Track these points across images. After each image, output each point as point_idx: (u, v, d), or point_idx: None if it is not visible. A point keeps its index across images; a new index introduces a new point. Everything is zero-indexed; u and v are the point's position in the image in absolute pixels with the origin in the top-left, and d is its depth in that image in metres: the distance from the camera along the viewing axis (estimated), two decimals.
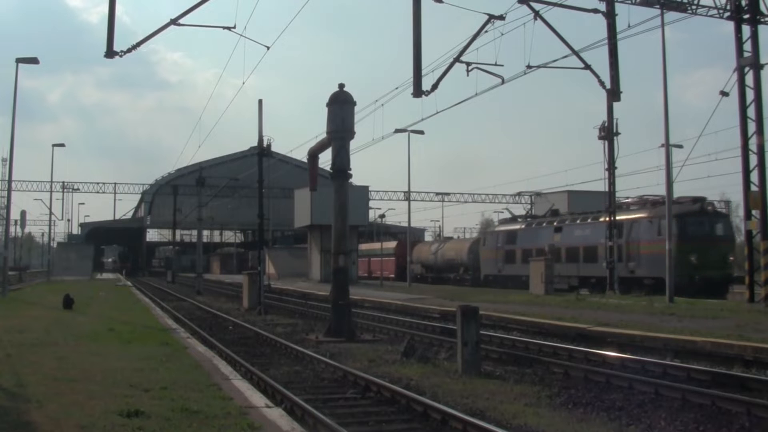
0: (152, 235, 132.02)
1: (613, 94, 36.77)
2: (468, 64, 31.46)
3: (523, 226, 52.98)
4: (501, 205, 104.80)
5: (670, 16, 30.86)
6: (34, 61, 38.22)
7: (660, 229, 37.09)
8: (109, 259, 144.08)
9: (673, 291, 30.84)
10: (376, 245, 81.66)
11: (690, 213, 39.77)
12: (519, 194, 79.53)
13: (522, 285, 45.43)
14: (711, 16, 30.70)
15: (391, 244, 79.62)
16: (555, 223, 48.67)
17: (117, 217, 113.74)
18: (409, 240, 63.26)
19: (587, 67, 35.63)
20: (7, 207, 60.68)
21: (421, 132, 54.88)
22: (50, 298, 36.26)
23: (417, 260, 70.57)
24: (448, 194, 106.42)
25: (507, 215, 63.65)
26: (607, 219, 39.19)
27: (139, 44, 26.66)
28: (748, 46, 29.77)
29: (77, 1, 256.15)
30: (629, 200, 44.34)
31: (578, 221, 46.85)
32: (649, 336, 19.01)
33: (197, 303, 41.73)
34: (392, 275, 73.81)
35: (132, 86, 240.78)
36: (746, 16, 29.91)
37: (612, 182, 38.67)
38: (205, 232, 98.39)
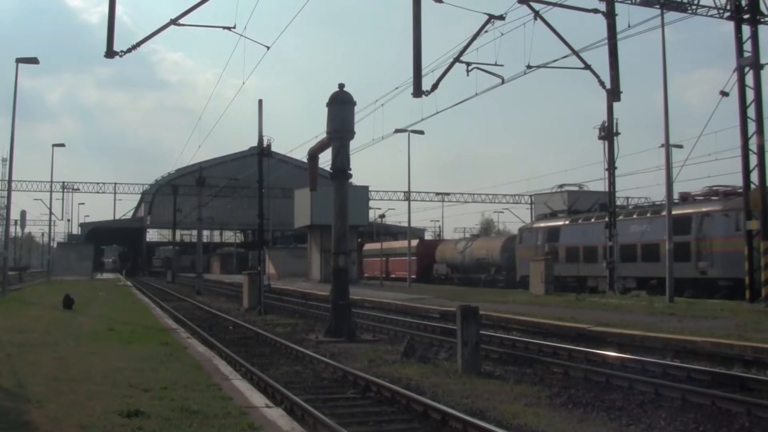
0: (152, 235, 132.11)
1: (613, 94, 36.75)
2: (468, 64, 31.46)
3: (567, 222, 47.84)
4: (501, 205, 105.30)
5: (670, 16, 30.87)
6: (34, 61, 38.24)
7: (738, 223, 33.78)
8: (109, 259, 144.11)
9: (673, 291, 30.83)
10: (396, 244, 79.93)
11: None
12: (561, 186, 70.30)
13: (569, 287, 42.25)
14: (711, 16, 30.70)
15: (413, 243, 73.64)
16: (607, 218, 42.09)
17: (117, 217, 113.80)
18: (409, 240, 63.24)
19: (587, 67, 35.61)
20: (7, 207, 60.67)
21: (421, 132, 54.96)
22: (50, 298, 36.26)
23: (441, 260, 68.17)
24: (448, 194, 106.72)
25: (524, 216, 61.38)
26: (667, 213, 37.29)
27: (139, 44, 26.66)
28: (748, 46, 29.78)
29: (77, 1, 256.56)
30: (695, 192, 40.64)
31: (635, 215, 42.57)
32: (649, 336, 19.00)
33: (197, 303, 41.74)
34: (413, 276, 67.66)
35: (132, 86, 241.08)
36: (746, 16, 29.90)
37: (612, 182, 38.67)
38: (205, 232, 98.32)
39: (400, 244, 76.12)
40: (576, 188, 61.93)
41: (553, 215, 51.90)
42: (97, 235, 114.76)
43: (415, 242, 71.67)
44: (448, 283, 63.23)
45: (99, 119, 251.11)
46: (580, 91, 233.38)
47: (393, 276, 73.47)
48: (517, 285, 49.92)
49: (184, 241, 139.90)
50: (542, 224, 50.30)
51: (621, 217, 41.06)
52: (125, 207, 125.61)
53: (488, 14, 31.11)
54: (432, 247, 73.59)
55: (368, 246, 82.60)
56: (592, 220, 45.00)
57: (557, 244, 47.24)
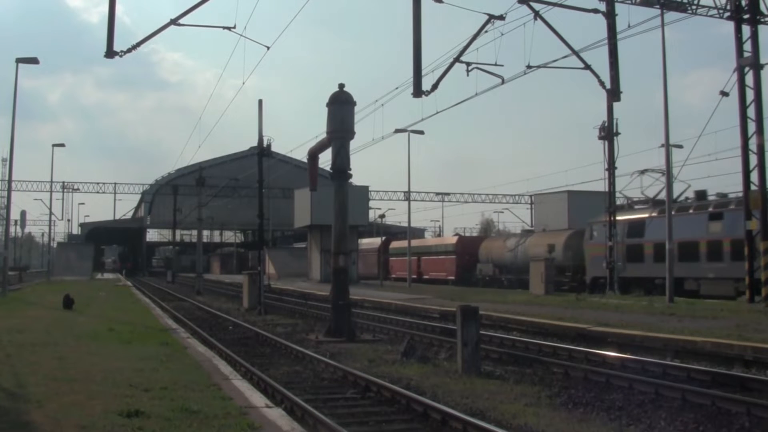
0: (152, 235, 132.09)
1: (613, 94, 36.80)
2: (468, 64, 31.48)
3: (654, 214, 39.79)
4: (501, 205, 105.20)
5: (670, 16, 30.89)
6: (34, 61, 38.24)
7: None
8: (109, 259, 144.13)
9: (673, 291, 30.84)
10: (431, 241, 75.96)
11: None
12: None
13: (657, 290, 35.54)
14: (711, 16, 30.72)
15: (451, 240, 69.56)
16: (711, 208, 37.04)
17: (117, 217, 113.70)
18: (409, 239, 63.21)
19: (587, 67, 35.64)
20: (7, 207, 60.65)
21: (421, 132, 55.06)
22: (50, 298, 36.24)
23: (486, 259, 60.47)
24: (448, 194, 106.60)
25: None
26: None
27: (139, 44, 26.67)
28: (748, 46, 29.79)
29: (77, 1, 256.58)
30: None
31: (693, 210, 37.52)
32: (649, 336, 19.00)
33: (197, 303, 41.73)
34: (451, 276, 63.63)
35: (132, 86, 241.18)
36: (746, 16, 29.92)
37: (612, 182, 38.70)
38: (205, 232, 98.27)
39: (436, 241, 72.16)
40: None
41: (630, 207, 43.86)
42: (97, 235, 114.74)
43: (453, 239, 68.40)
44: (495, 285, 56.55)
45: (99, 119, 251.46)
46: (580, 91, 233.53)
47: (427, 277, 68.26)
48: (587, 288, 42.77)
49: (184, 241, 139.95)
50: (622, 216, 41.98)
51: (733, 207, 34.53)
52: (125, 207, 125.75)
53: (488, 14, 31.17)
54: (474, 245, 64.95)
55: (396, 244, 78.10)
56: (690, 210, 37.69)
57: (642, 240, 39.90)
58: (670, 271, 31.02)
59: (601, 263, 40.56)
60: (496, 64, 31.31)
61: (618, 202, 42.10)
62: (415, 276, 65.14)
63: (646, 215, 40.71)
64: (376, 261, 72.56)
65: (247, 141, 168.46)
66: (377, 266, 71.80)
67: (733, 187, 36.81)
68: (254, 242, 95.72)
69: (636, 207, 43.29)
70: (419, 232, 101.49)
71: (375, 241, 78.76)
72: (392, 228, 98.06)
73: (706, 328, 20.04)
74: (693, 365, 15.20)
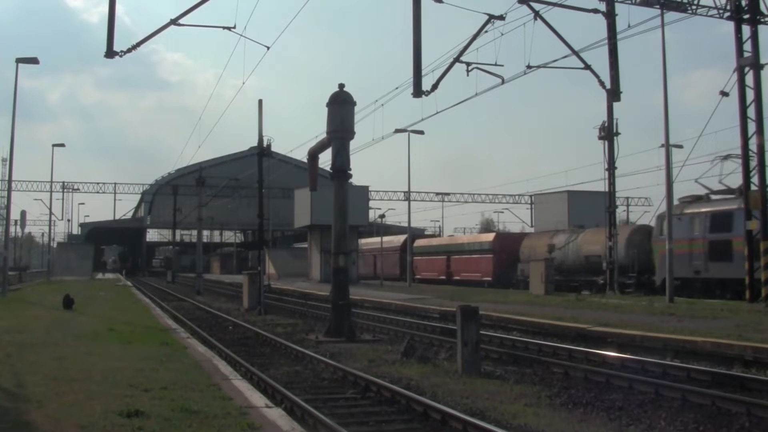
0: (152, 235, 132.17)
1: (613, 94, 36.84)
2: (468, 64, 31.51)
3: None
4: (501, 205, 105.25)
5: (670, 16, 30.91)
6: (34, 61, 38.25)
7: None
8: (110, 259, 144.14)
9: (673, 291, 30.85)
10: (464, 238, 70.13)
11: None
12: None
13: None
14: (711, 16, 30.72)
15: (487, 237, 63.29)
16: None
17: (117, 217, 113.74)
18: (410, 239, 63.17)
19: (587, 67, 35.70)
20: (7, 207, 60.64)
21: (421, 132, 55.04)
22: (50, 298, 36.25)
23: (530, 258, 51.39)
24: (448, 194, 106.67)
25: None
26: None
27: (139, 44, 26.70)
28: (748, 46, 29.79)
29: (77, 1, 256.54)
30: None
31: None
32: (649, 336, 19.01)
33: (197, 303, 41.72)
34: (487, 278, 57.51)
35: (132, 86, 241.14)
36: (746, 16, 29.91)
37: (612, 182, 38.71)
38: (205, 232, 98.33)
39: (469, 238, 66.81)
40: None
41: (708, 198, 37.92)
42: (97, 235, 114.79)
43: (490, 236, 62.36)
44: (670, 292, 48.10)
45: (99, 119, 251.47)
46: (580, 91, 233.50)
47: (458, 278, 62.15)
48: (657, 291, 36.92)
49: (184, 241, 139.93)
50: (701, 209, 36.75)
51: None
52: (125, 207, 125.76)
53: (488, 14, 31.20)
54: (515, 243, 57.12)
55: (421, 242, 73.20)
56: None
57: (730, 236, 34.23)
58: (670, 272, 31.03)
59: (678, 262, 34.33)
60: (496, 64, 31.39)
61: (689, 193, 38.77)
62: (443, 277, 62.34)
63: (735, 206, 34.45)
64: (398, 261, 70.57)
65: (247, 141, 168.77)
66: (399, 266, 69.57)
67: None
68: (254, 242, 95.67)
69: (715, 198, 37.63)
70: (419, 232, 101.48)
71: (396, 239, 76.53)
72: (392, 228, 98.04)
73: (706, 328, 20.04)
74: (693, 365, 15.20)
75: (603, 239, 42.53)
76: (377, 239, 73.98)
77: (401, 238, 74.47)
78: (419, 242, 71.83)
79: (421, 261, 68.72)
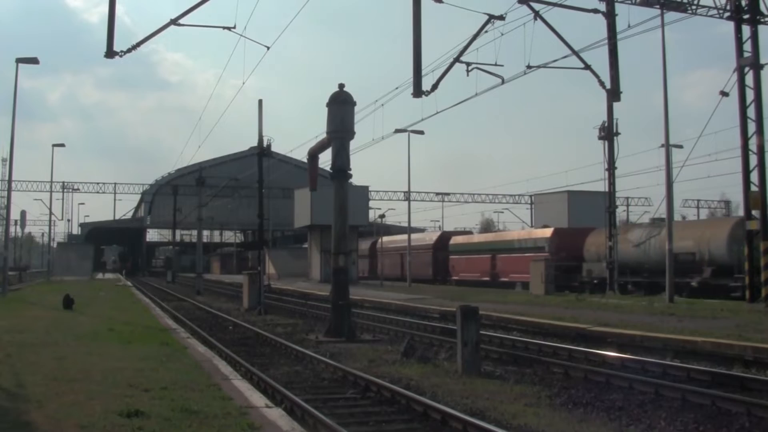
0: (152, 235, 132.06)
1: (613, 94, 36.82)
2: (468, 64, 31.48)
3: None
4: (501, 205, 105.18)
5: (670, 16, 30.91)
6: (34, 61, 38.24)
7: None
8: (109, 259, 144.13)
9: (673, 291, 30.85)
10: (512, 234, 59.81)
11: None
12: None
13: None
14: (711, 16, 30.73)
15: (543, 233, 53.48)
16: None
17: (117, 217, 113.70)
18: (410, 239, 63.15)
19: (587, 67, 35.68)
20: (7, 207, 60.73)
21: (421, 132, 54.96)
22: (50, 298, 36.25)
23: (597, 257, 45.25)
24: (448, 194, 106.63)
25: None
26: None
27: (139, 44, 26.68)
28: (748, 47, 29.79)
29: (77, 2, 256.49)
30: None
31: None
32: (649, 336, 19.02)
33: (197, 303, 41.73)
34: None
35: (132, 86, 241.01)
36: (746, 16, 29.93)
37: (612, 182, 38.70)
38: (205, 232, 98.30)
39: (520, 234, 56.67)
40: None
41: None
42: (97, 235, 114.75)
43: (547, 232, 52.97)
44: (601, 289, 41.27)
45: (99, 119, 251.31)
46: (580, 91, 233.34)
47: (505, 279, 54.39)
48: None
49: (184, 241, 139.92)
50: None
51: None
52: (125, 207, 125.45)
53: (488, 14, 31.16)
54: (577, 239, 48.59)
55: (459, 239, 66.40)
56: None
57: None
58: (670, 272, 31.04)
59: None
60: (496, 64, 31.33)
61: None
62: (487, 278, 55.41)
63: None
64: (431, 260, 66.25)
65: (247, 141, 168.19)
66: (432, 266, 65.72)
67: (733, 187, 36.68)
68: (254, 242, 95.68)
69: None
70: (419, 232, 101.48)
71: (428, 236, 72.30)
72: (392, 228, 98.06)
73: (706, 328, 20.05)
74: (693, 365, 15.20)
75: (701, 234, 38.86)
76: (403, 237, 70.74)
77: (434, 235, 71.10)
78: (457, 239, 66.28)
79: (459, 260, 62.88)
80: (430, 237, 70.77)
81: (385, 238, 76.30)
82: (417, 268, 65.70)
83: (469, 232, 77.18)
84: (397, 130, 48.03)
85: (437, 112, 34.21)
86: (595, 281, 43.73)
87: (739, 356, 16.21)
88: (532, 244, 51.34)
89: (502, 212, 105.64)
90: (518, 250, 53.49)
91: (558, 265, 45.60)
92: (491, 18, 31.00)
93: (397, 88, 33.78)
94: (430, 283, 61.39)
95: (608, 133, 38.18)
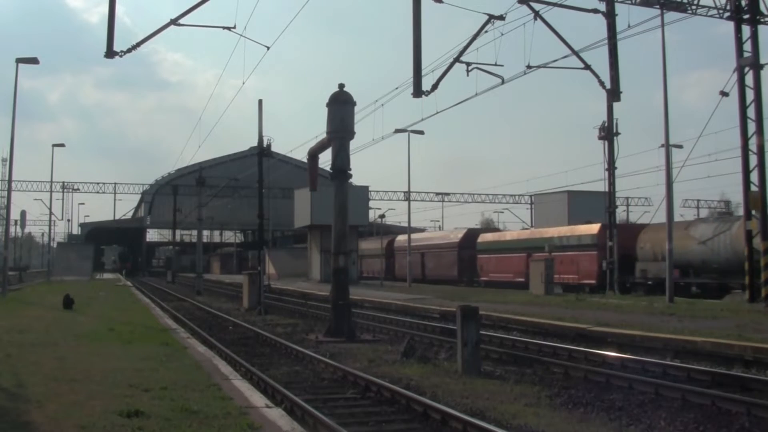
0: (152, 235, 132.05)
1: (613, 94, 36.83)
2: (468, 64, 31.49)
3: None
4: (501, 205, 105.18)
5: (670, 16, 30.90)
6: (34, 61, 38.23)
7: None
8: (110, 259, 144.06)
9: (672, 291, 30.85)
10: (551, 231, 52.46)
11: None
12: None
13: None
14: (711, 16, 30.75)
15: (590, 229, 47.95)
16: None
17: (117, 217, 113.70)
18: (410, 239, 63.09)
19: (587, 67, 35.68)
20: (7, 207, 60.67)
21: (421, 132, 54.86)
22: (50, 298, 36.26)
23: (651, 255, 41.56)
24: (447, 194, 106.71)
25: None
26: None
27: (139, 44, 26.68)
28: (748, 47, 29.80)
29: (77, 2, 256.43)
30: None
31: None
32: (649, 336, 19.01)
33: (197, 303, 41.73)
34: (590, 280, 45.00)
35: (132, 86, 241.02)
36: (746, 16, 29.94)
37: (612, 182, 38.71)
38: (205, 233, 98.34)
39: (563, 231, 50.39)
40: None
41: None
42: (97, 235, 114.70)
43: (594, 228, 46.87)
44: (655, 291, 37.48)
45: (99, 119, 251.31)
46: (580, 91, 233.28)
47: (566, 279, 47.43)
48: None
49: (184, 241, 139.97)
50: None
51: None
52: (125, 207, 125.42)
53: (488, 14, 31.17)
54: (628, 236, 42.89)
55: (488, 236, 61.55)
56: None
57: None
58: (670, 272, 31.04)
59: None
60: (496, 64, 31.35)
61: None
62: (521, 279, 49.28)
63: None
64: (456, 260, 62.55)
65: (247, 141, 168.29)
66: (457, 266, 62.15)
67: (732, 187, 36.67)
68: (254, 242, 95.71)
69: None
70: (419, 232, 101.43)
71: (453, 234, 68.28)
72: (392, 228, 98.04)
73: (706, 328, 20.04)
74: (693, 365, 15.21)
75: None
76: (424, 235, 68.80)
77: (459, 232, 67.24)
78: (486, 236, 61.46)
79: (488, 260, 57.67)
80: (455, 235, 67.05)
81: (402, 237, 73.91)
82: (440, 269, 63.86)
83: (497, 229, 72.61)
84: (397, 130, 48.04)
85: (437, 112, 34.34)
86: (650, 282, 40.57)
87: (739, 356, 16.20)
88: (576, 242, 46.87)
89: (502, 212, 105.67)
90: (560, 248, 47.69)
91: (601, 263, 42.51)
92: (491, 18, 31.01)
93: (397, 88, 33.81)
94: (455, 284, 57.99)
95: (608, 133, 38.20)
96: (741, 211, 32.95)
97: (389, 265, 73.23)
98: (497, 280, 53.73)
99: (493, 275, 55.89)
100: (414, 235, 72.46)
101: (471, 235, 63.93)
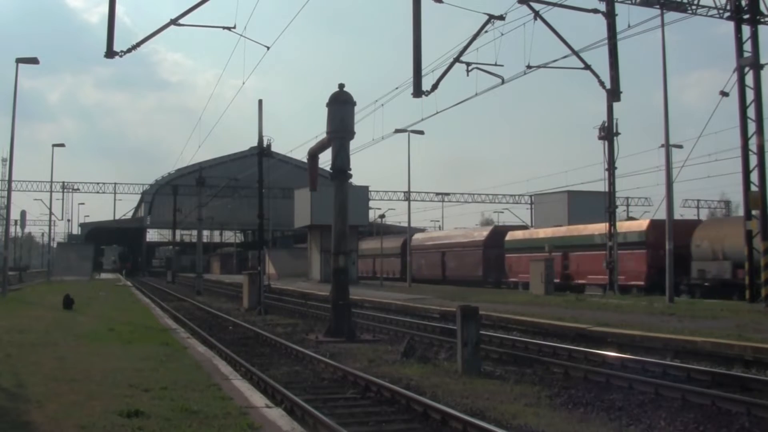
0: (152, 235, 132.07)
1: (613, 94, 36.81)
2: (468, 64, 31.49)
3: None
4: (501, 205, 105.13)
5: (670, 16, 30.91)
6: (34, 61, 38.22)
7: None
8: (110, 259, 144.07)
9: (673, 291, 30.86)
10: (587, 228, 47.67)
11: None
12: None
13: None
14: (711, 16, 30.76)
15: (637, 226, 44.75)
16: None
17: (117, 218, 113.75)
18: (409, 239, 63.05)
19: (587, 67, 35.67)
20: (7, 207, 60.69)
21: (421, 132, 54.77)
22: (50, 298, 36.26)
23: (711, 253, 38.09)
24: (448, 194, 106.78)
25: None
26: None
27: (139, 44, 26.68)
28: (748, 47, 29.81)
29: (77, 2, 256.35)
30: None
31: None
32: (649, 336, 19.01)
33: (197, 303, 41.73)
34: (638, 282, 41.60)
35: (132, 86, 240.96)
36: (746, 16, 29.96)
37: (612, 182, 38.69)
38: (205, 233, 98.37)
39: (605, 228, 42.15)
40: None
41: None
42: (97, 235, 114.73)
43: (643, 224, 44.14)
44: (733, 296, 33.67)
45: (99, 119, 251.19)
46: (580, 91, 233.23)
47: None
48: None
49: (184, 241, 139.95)
50: None
51: None
52: (125, 207, 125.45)
53: (488, 14, 31.17)
54: (682, 233, 37.56)
55: (517, 235, 57.26)
56: None
57: None
58: (670, 272, 31.04)
59: None
60: (496, 64, 31.35)
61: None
62: (557, 280, 44.87)
63: None
64: (481, 259, 58.63)
65: (247, 141, 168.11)
66: (482, 266, 58.24)
67: (732, 187, 36.63)
68: (254, 242, 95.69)
69: None
70: (419, 232, 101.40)
71: (478, 233, 64.03)
72: (392, 228, 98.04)
73: (706, 328, 20.05)
74: (693, 365, 15.21)
75: None
76: (444, 233, 66.63)
77: (484, 230, 63.70)
78: (515, 234, 57.31)
79: (518, 259, 52.92)
80: (480, 233, 63.08)
81: (421, 235, 73.60)
82: (463, 269, 60.35)
83: (525, 227, 67.13)
84: (397, 130, 48.03)
85: (437, 112, 34.31)
86: (707, 284, 37.52)
87: (740, 356, 16.21)
88: (621, 239, 41.50)
89: (502, 212, 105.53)
90: (600, 246, 42.73)
91: (657, 264, 38.62)
92: (491, 18, 31.02)
93: (397, 88, 33.80)
94: (480, 285, 54.17)
95: (608, 133, 38.19)
96: (741, 212, 32.91)
97: (404, 265, 67.01)
98: (523, 281, 48.43)
99: (523, 276, 49.41)
100: (434, 234, 71.66)
101: (498, 232, 60.06)
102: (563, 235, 49.95)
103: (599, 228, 44.03)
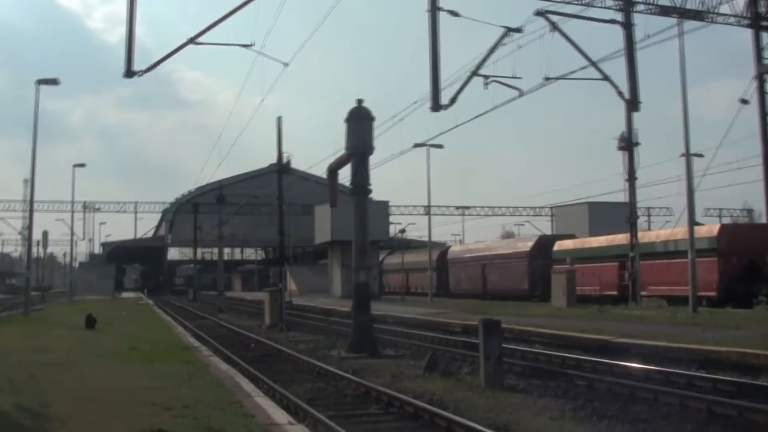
0: (173, 253, 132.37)
1: (632, 104, 36.59)
2: (486, 77, 31.37)
3: None
4: (521, 218, 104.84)
5: (689, 25, 30.80)
6: (54, 82, 38.50)
7: None
8: (131, 278, 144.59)
9: (696, 301, 30.63)
10: (646, 235, 46.26)
11: None
12: None
13: None
14: (729, 24, 30.59)
15: (707, 231, 40.46)
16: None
17: (138, 236, 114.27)
18: (430, 252, 62.91)
19: (605, 78, 35.45)
20: (30, 227, 60.58)
21: (441, 146, 54.60)
22: (73, 317, 36.37)
23: None
24: (468, 208, 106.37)
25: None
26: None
27: (157, 63, 26.78)
28: (767, 54, 29.65)
29: (97, 22, 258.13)
30: None
31: None
32: (673, 347, 18.85)
33: (219, 321, 41.79)
34: (710, 292, 37.15)
35: (152, 106, 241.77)
36: (765, 23, 29.80)
37: (633, 193, 38.51)
38: (226, 250, 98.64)
39: (666, 234, 42.50)
40: None
41: None
42: (118, 254, 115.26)
43: (713, 229, 40.89)
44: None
45: (120, 139, 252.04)
46: (599, 102, 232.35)
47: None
48: None
49: (205, 259, 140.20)
50: None
51: None
52: (146, 226, 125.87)
53: (505, 27, 31.08)
54: (757, 239, 37.27)
55: (566, 244, 52.98)
56: None
57: None
58: (693, 282, 30.82)
59: None
60: (514, 77, 31.22)
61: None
62: (614, 293, 43.36)
63: None
64: (526, 271, 54.17)
65: (266, 158, 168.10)
66: (528, 279, 53.69)
67: (755, 195, 36.36)
68: (275, 259, 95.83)
69: None
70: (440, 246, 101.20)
71: (519, 243, 60.93)
72: (413, 243, 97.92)
73: (731, 338, 19.86)
74: (718, 376, 15.06)
75: None
76: (484, 244, 63.01)
77: (528, 241, 59.49)
78: (564, 243, 53.22)
79: (590, 269, 47.30)
80: (524, 243, 59.17)
81: (459, 247, 72.11)
82: (505, 282, 56.14)
83: (572, 236, 61.68)
84: (416, 145, 47.96)
85: (456, 126, 34.09)
86: None
87: (765, 366, 16.04)
88: (686, 246, 35.25)
89: (523, 225, 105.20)
90: (663, 254, 40.92)
91: (731, 272, 36.91)
92: (508, 30, 30.93)
93: (415, 103, 33.66)
94: (525, 299, 49.53)
95: (628, 143, 38.05)
96: (764, 219, 32.61)
97: (441, 279, 65.40)
98: (581, 294, 43.05)
99: (586, 288, 45.25)
100: (472, 245, 69.10)
101: (544, 242, 55.86)
102: (620, 243, 44.60)
103: (660, 234, 42.24)
